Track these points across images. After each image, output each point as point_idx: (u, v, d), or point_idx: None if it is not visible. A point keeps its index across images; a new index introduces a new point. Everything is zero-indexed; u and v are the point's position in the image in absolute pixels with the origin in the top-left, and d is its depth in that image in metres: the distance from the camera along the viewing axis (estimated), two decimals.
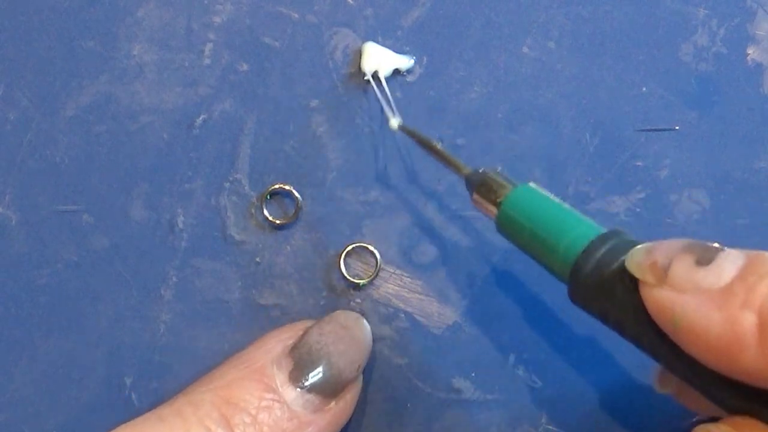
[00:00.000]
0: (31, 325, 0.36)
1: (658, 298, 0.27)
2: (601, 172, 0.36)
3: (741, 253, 0.27)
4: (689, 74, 0.37)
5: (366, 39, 0.37)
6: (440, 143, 0.35)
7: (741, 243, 0.35)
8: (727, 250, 0.27)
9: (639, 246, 0.29)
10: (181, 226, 0.37)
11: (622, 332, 0.29)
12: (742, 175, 0.36)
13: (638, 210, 0.36)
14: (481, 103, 0.37)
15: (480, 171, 0.33)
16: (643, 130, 0.37)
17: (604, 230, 0.30)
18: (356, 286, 0.36)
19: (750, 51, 0.37)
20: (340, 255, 0.36)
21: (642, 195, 0.36)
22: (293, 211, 0.36)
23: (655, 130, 0.37)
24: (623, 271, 0.28)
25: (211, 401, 0.31)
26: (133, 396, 0.36)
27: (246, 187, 0.37)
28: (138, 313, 0.36)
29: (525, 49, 0.37)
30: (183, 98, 0.37)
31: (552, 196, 0.32)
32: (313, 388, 0.32)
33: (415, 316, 0.36)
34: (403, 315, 0.36)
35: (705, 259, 0.27)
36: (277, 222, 0.36)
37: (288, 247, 0.36)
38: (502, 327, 0.36)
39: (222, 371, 0.33)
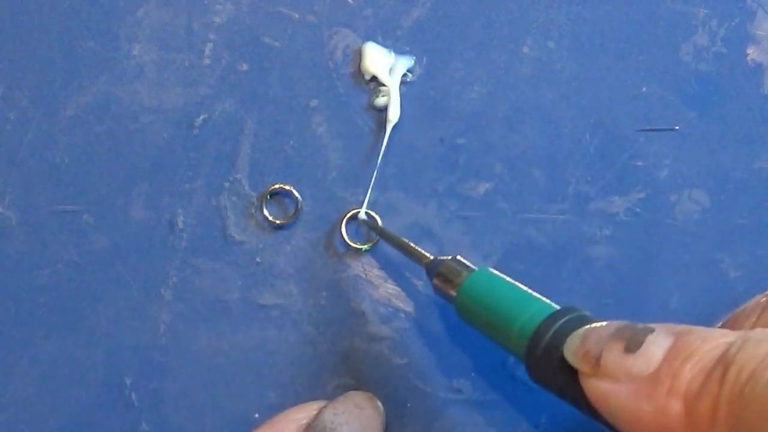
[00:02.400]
0: (31, 325, 0.36)
1: (594, 387, 0.27)
2: (601, 172, 0.36)
3: (669, 334, 0.26)
4: (689, 74, 0.37)
5: (366, 39, 0.37)
6: (401, 236, 0.35)
7: (741, 243, 0.36)
8: (656, 331, 0.27)
9: (574, 334, 0.28)
10: (181, 226, 0.37)
11: (579, 410, 0.29)
12: (742, 175, 0.36)
13: (638, 210, 0.36)
14: (481, 103, 0.37)
15: (439, 259, 0.34)
16: (643, 130, 0.37)
17: (556, 308, 0.30)
18: (358, 251, 0.36)
19: (750, 51, 0.37)
20: (341, 221, 0.36)
21: (642, 195, 0.36)
22: (293, 211, 0.36)
23: (655, 130, 0.37)
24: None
25: None
26: (133, 396, 0.36)
27: (246, 187, 0.37)
28: (138, 313, 0.36)
29: (525, 49, 0.37)
30: (183, 98, 0.37)
31: (507, 279, 0.32)
32: None
33: (415, 316, 0.36)
34: (403, 315, 0.36)
35: (634, 344, 0.27)
36: (277, 222, 0.36)
37: (288, 247, 0.36)
38: None
39: None
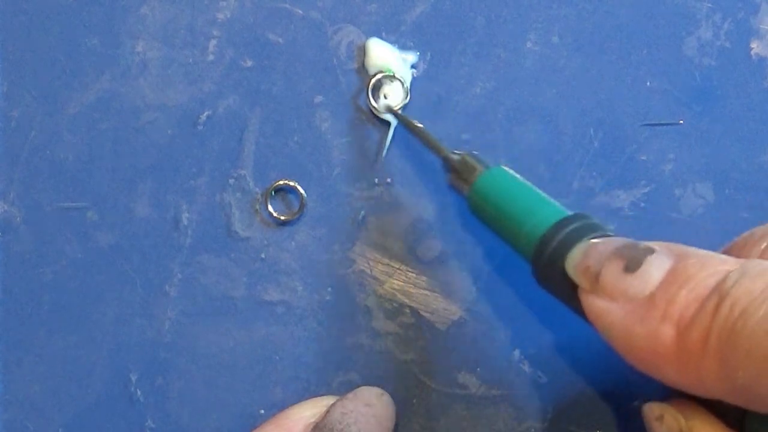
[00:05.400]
0: (36, 322, 0.36)
1: (591, 304, 0.27)
2: (606, 167, 0.36)
3: (669, 255, 0.26)
4: (693, 68, 0.37)
5: (369, 35, 0.37)
6: (424, 128, 0.36)
7: None
8: (657, 251, 0.27)
9: (576, 248, 0.29)
10: (185, 222, 0.37)
11: (579, 316, 0.29)
12: (747, 169, 0.36)
13: (643, 204, 0.36)
14: (485, 98, 0.37)
15: (457, 153, 0.34)
16: (647, 125, 0.37)
17: (566, 214, 0.30)
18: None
19: (754, 45, 0.37)
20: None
21: (646, 189, 0.36)
22: (298, 207, 0.36)
23: (660, 124, 0.37)
24: None
25: None
26: (138, 392, 0.36)
27: (250, 184, 0.37)
28: (143, 309, 0.36)
29: (529, 45, 0.37)
30: (187, 95, 0.37)
31: (521, 179, 0.32)
32: None
33: (420, 311, 0.36)
34: (408, 310, 0.36)
35: (633, 263, 0.27)
36: (282, 218, 0.36)
37: (293, 243, 0.36)
38: (507, 322, 0.36)
39: None
